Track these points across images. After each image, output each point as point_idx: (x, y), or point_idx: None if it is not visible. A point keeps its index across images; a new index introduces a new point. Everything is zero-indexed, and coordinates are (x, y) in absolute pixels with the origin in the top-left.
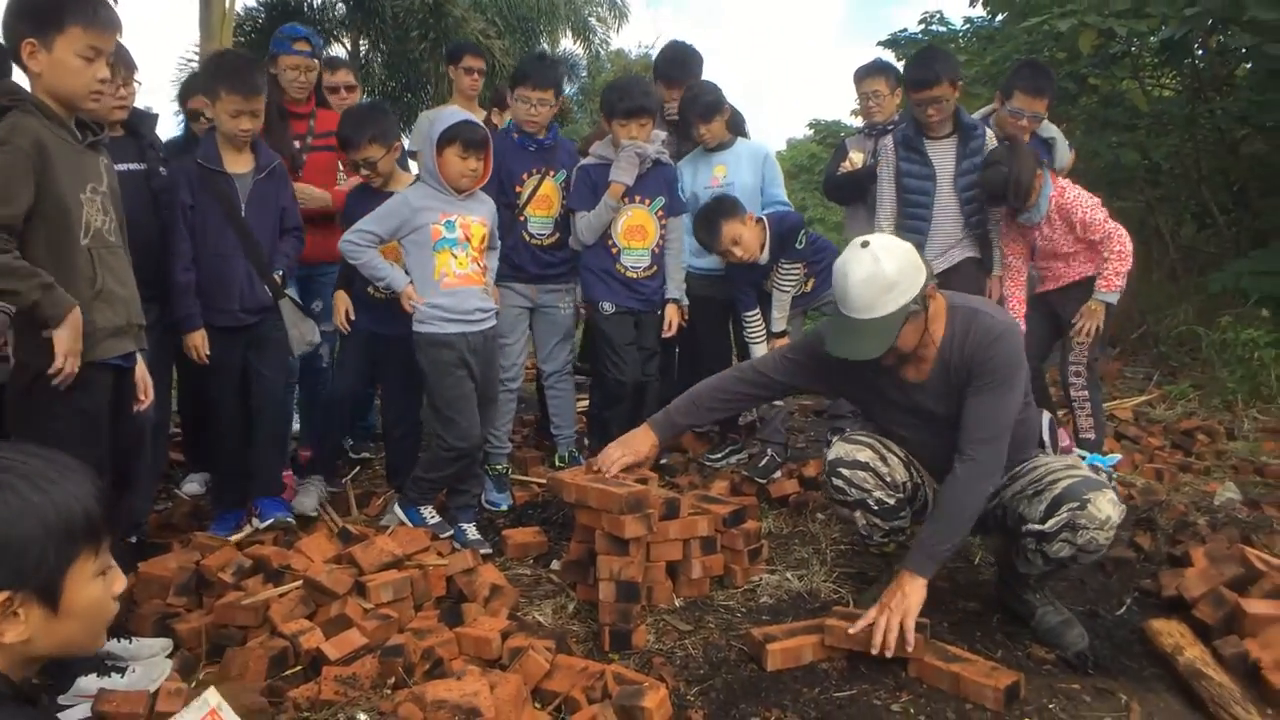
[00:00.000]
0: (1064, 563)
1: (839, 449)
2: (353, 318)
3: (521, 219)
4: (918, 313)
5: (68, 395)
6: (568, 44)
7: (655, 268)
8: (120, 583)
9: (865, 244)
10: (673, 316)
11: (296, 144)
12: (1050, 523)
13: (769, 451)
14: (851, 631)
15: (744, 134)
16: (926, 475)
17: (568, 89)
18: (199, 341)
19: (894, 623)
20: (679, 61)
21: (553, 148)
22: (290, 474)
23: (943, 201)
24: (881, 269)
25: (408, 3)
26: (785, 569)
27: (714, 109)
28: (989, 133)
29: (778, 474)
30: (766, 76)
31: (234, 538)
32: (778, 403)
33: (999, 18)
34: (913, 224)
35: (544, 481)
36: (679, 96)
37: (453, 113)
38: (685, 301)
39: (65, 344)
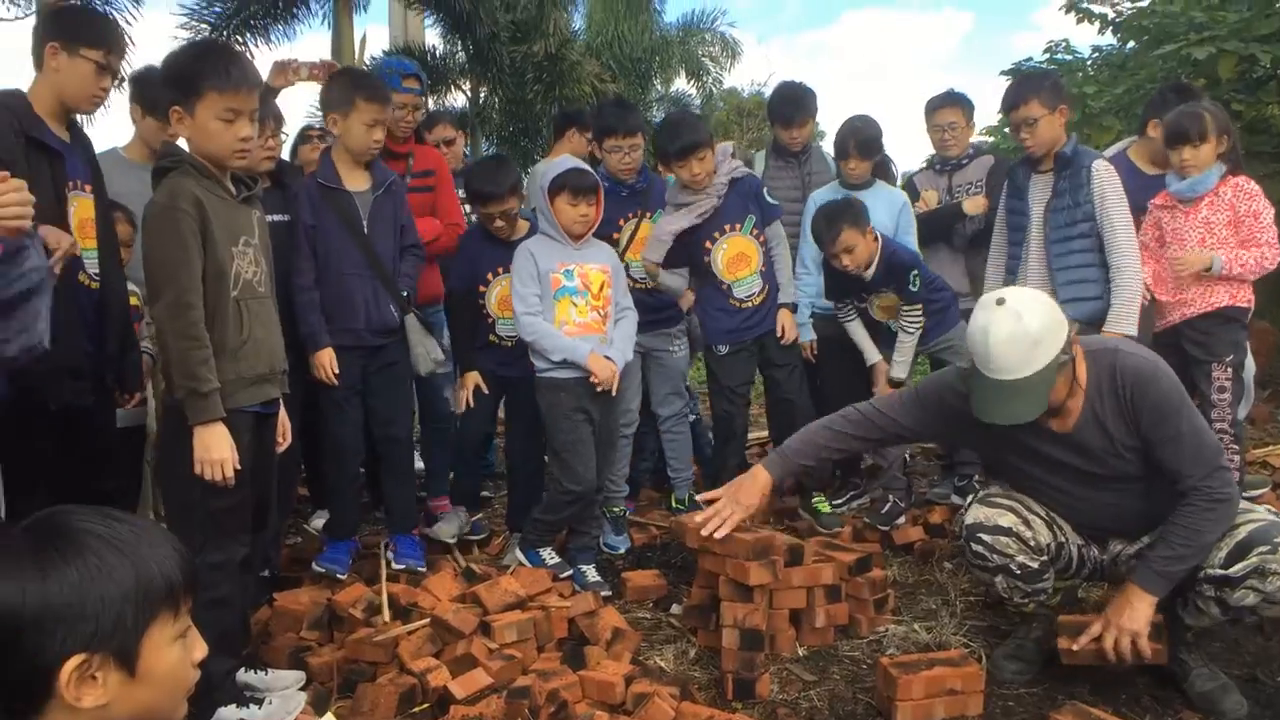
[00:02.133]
0: (1243, 613)
1: (977, 513)
2: (485, 390)
3: (624, 264)
4: (1066, 363)
5: None
6: (680, 84)
7: (767, 289)
8: (200, 649)
9: (1001, 301)
10: (785, 322)
11: None
12: (1236, 568)
13: (891, 497)
14: (1075, 648)
15: (890, 177)
16: (1070, 531)
17: None
18: (326, 360)
19: (1125, 641)
20: (793, 100)
21: (646, 190)
22: (419, 527)
23: (1034, 242)
24: (1024, 326)
25: (524, 50)
26: (912, 620)
27: (875, 147)
28: (1101, 170)
29: (901, 520)
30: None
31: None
32: (894, 450)
33: (1130, 45)
34: (1009, 264)
35: (663, 524)
36: (797, 135)
37: (562, 161)
38: (800, 319)
39: (198, 451)
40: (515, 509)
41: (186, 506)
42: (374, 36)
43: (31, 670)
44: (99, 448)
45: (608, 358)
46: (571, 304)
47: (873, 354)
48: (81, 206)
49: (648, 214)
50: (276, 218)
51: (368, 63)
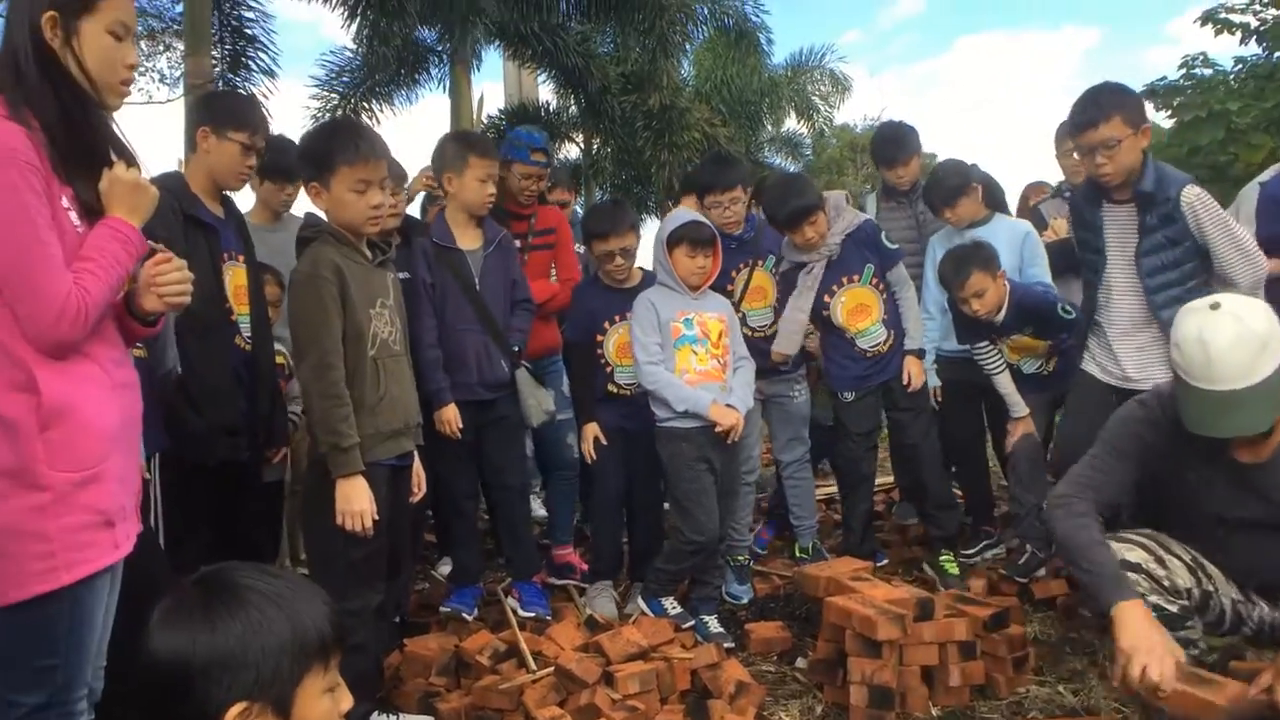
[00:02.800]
0: None
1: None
2: (604, 441)
3: (739, 314)
4: None
5: None
6: (791, 123)
7: (891, 335)
8: (347, 700)
9: (1215, 305)
10: (912, 369)
11: (518, 243)
12: None
13: (1029, 547)
14: (1252, 692)
15: (1003, 207)
16: (1223, 582)
17: (792, 166)
18: (451, 416)
19: None
20: (893, 140)
21: (754, 238)
22: (543, 574)
23: (1118, 284)
24: (1248, 327)
25: (635, 100)
26: (1057, 681)
27: (956, 193)
28: (1193, 201)
29: (1041, 572)
30: (999, 139)
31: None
32: (1033, 495)
33: (1278, 54)
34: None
35: (786, 574)
36: (903, 174)
37: (680, 213)
38: (926, 354)
39: (340, 503)
40: (636, 559)
41: (328, 556)
42: (490, 94)
43: (200, 715)
44: (250, 500)
45: (730, 406)
46: (692, 352)
47: (1020, 407)
48: (235, 275)
49: (759, 262)
50: (404, 274)
51: (484, 121)
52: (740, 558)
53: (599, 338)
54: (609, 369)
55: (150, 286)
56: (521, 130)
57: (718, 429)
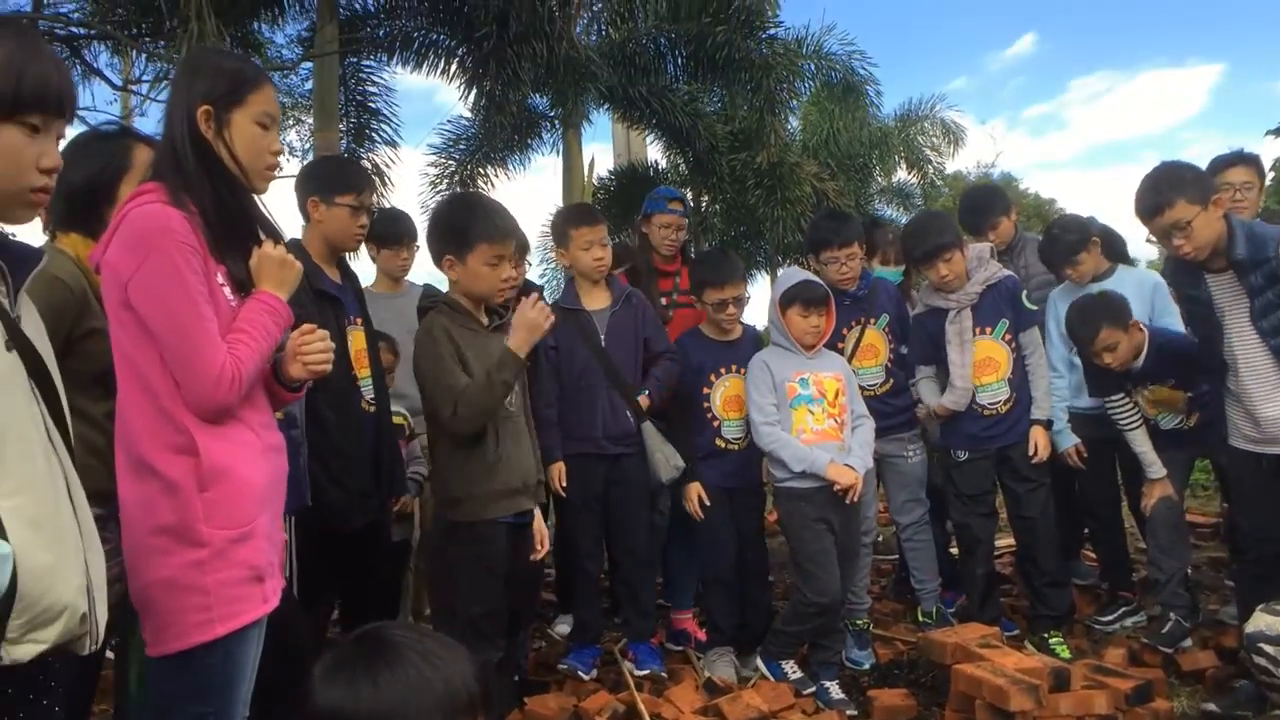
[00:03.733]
0: None
1: (1261, 620)
2: (707, 503)
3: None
4: None
5: (471, 550)
6: (902, 174)
7: (1014, 398)
8: None
9: None
10: (1038, 439)
11: (664, 300)
12: None
13: (1173, 615)
14: None
15: (1125, 258)
16: None
17: (903, 218)
18: (557, 473)
19: None
20: (974, 210)
21: (868, 295)
22: (659, 636)
23: (1243, 351)
24: None
25: (743, 158)
26: None
27: (1075, 249)
28: None
29: (1187, 642)
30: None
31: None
32: (1175, 560)
33: None
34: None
35: (909, 639)
36: (994, 238)
37: (794, 273)
38: (1057, 426)
39: (525, 320)
40: (749, 619)
41: (450, 611)
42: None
43: None
44: (378, 558)
45: (848, 465)
46: (808, 412)
47: (1156, 467)
48: (356, 339)
49: (872, 320)
50: None
51: (595, 182)
52: (860, 621)
53: (705, 390)
54: (716, 423)
55: (296, 356)
56: (661, 188)
57: (836, 488)
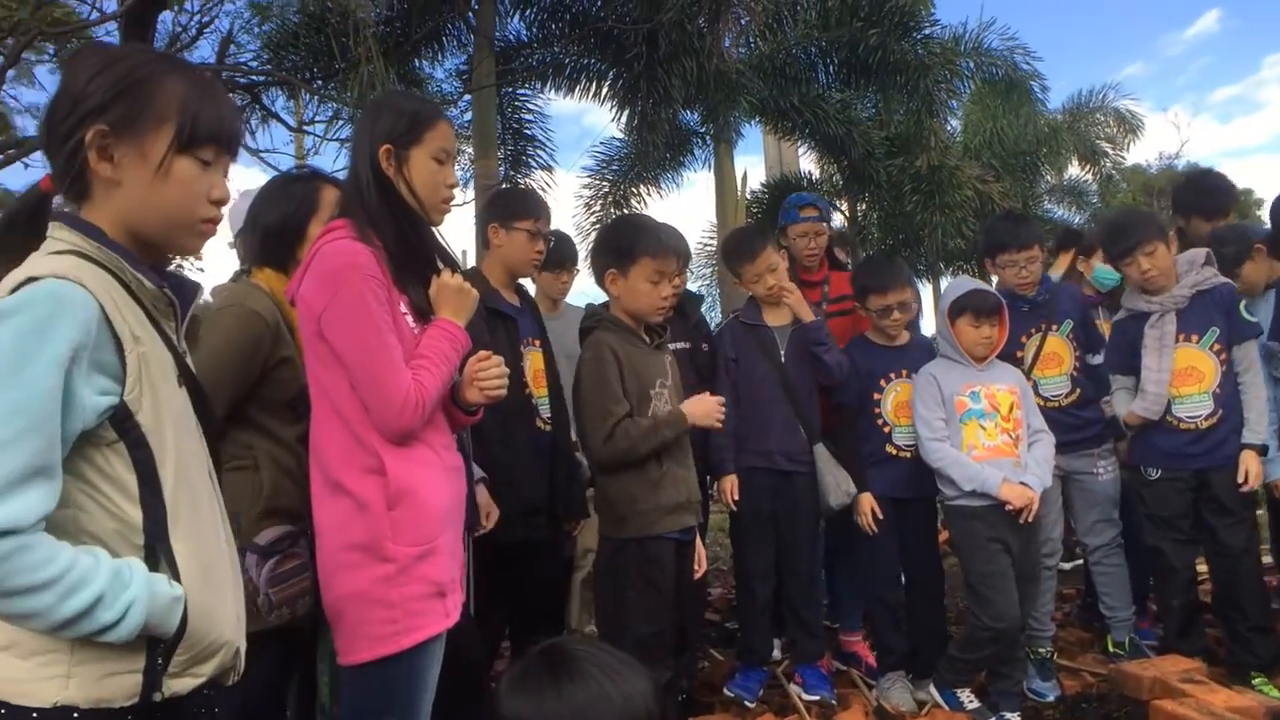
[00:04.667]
0: None
1: None
2: (880, 516)
3: (1030, 383)
4: None
5: (639, 567)
6: (1074, 170)
7: (1219, 414)
8: None
9: None
10: (1250, 466)
11: None
12: None
13: None
14: None
15: None
16: None
17: (1077, 218)
18: (729, 486)
19: None
20: (1205, 191)
21: (1048, 301)
22: (828, 660)
23: None
24: None
25: (900, 163)
26: None
27: (1234, 261)
28: None
29: None
30: None
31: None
32: None
33: None
34: None
35: (1099, 670)
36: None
37: (964, 282)
38: (1270, 452)
39: (698, 409)
40: (918, 642)
41: (618, 630)
42: (751, 169)
43: None
44: (545, 574)
45: (1023, 484)
46: (980, 427)
47: None
48: (534, 360)
49: (1054, 326)
50: (676, 345)
51: (749, 197)
52: (1043, 650)
53: (875, 395)
54: (887, 429)
55: (473, 381)
56: (791, 196)
57: (1008, 508)
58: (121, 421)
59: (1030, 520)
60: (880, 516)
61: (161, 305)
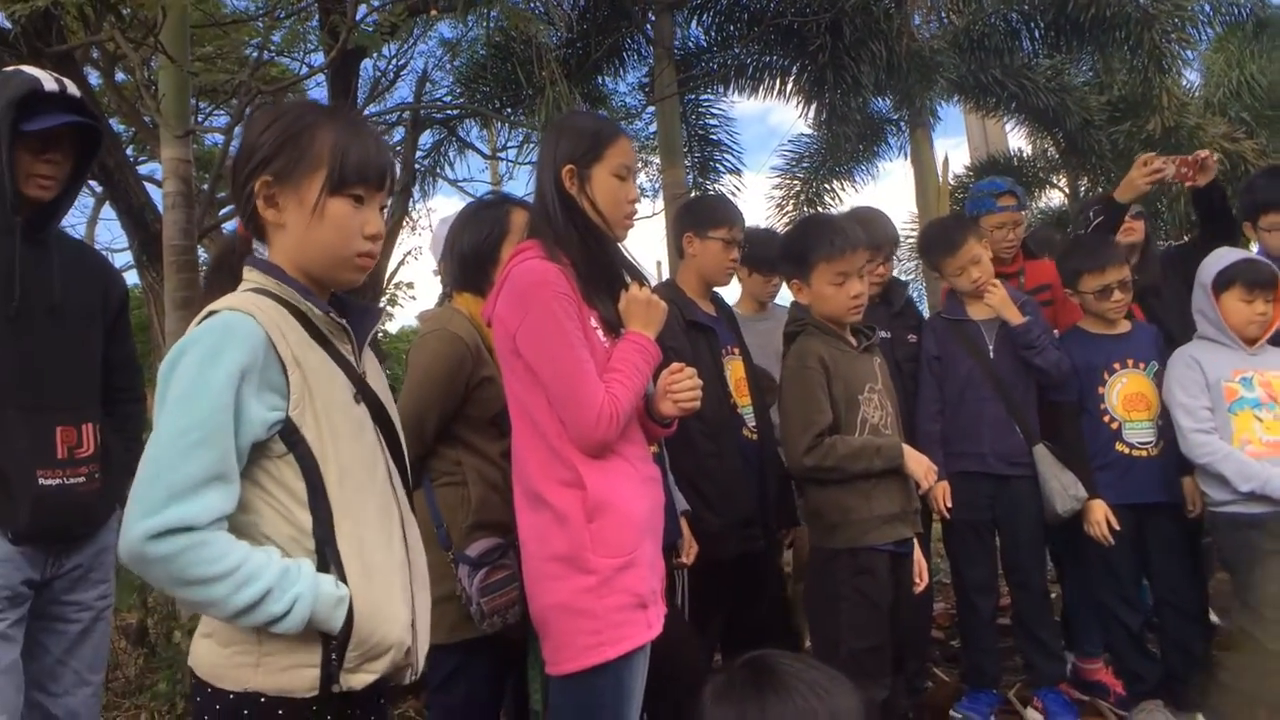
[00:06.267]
0: None
1: None
2: (1116, 526)
3: None
4: None
5: (851, 580)
6: None
7: None
8: None
9: None
10: None
11: None
12: None
13: None
14: None
15: None
16: None
17: None
18: (941, 493)
19: None
20: None
21: None
22: (1067, 686)
23: None
24: None
25: (1127, 129)
26: None
27: None
28: None
29: None
30: None
31: None
32: None
33: None
34: None
35: None
36: None
37: (1228, 252)
38: None
39: (916, 467)
40: (1169, 670)
41: (831, 644)
42: (954, 152)
43: None
44: (764, 586)
45: None
46: (1255, 418)
47: None
48: (735, 369)
49: None
50: (882, 334)
51: (952, 183)
52: None
53: (1099, 390)
54: (1115, 425)
55: (666, 394)
56: (981, 183)
57: None
58: (289, 435)
59: None
60: (1116, 526)
61: (335, 330)
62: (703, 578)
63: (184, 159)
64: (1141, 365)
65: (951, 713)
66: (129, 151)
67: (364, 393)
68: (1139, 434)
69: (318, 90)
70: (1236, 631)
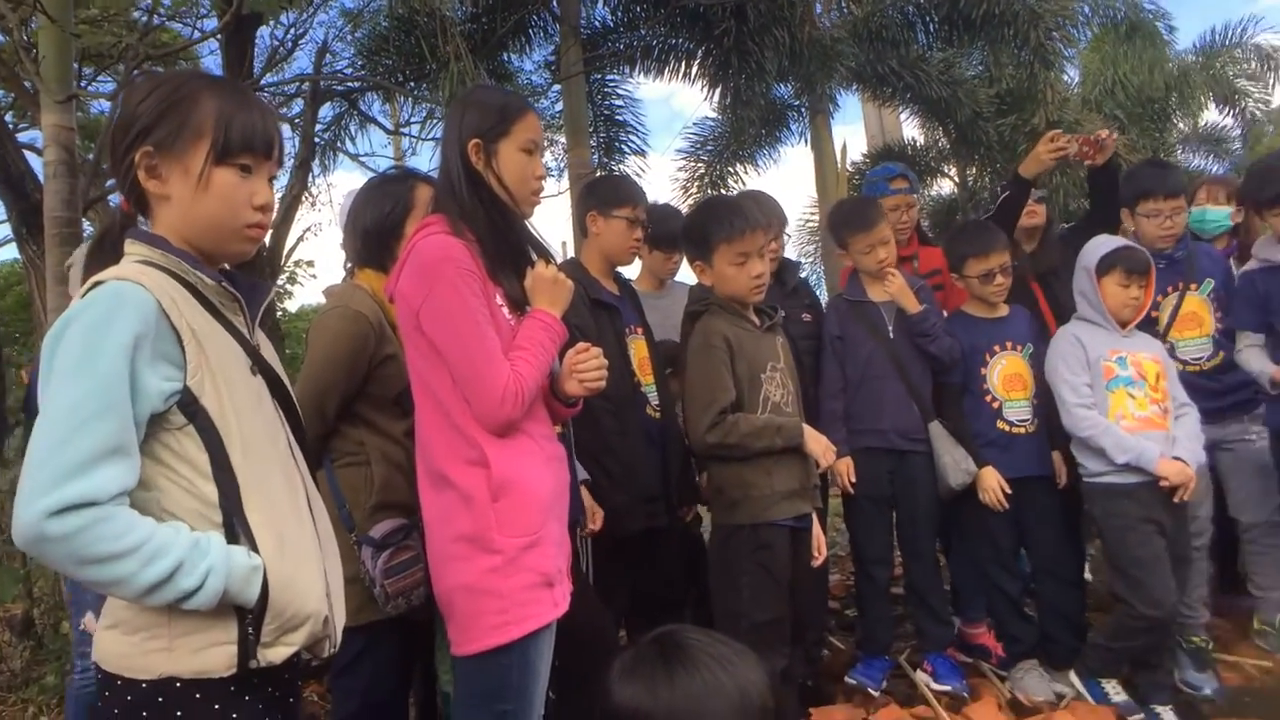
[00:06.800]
0: None
1: None
2: (1008, 490)
3: (1167, 345)
4: None
5: (752, 555)
6: (1210, 116)
7: None
8: None
9: None
10: None
11: None
12: None
13: None
14: None
15: None
16: None
17: (1216, 167)
18: (844, 469)
19: None
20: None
21: (1187, 258)
22: (954, 650)
23: None
24: None
25: (1013, 121)
26: None
27: None
28: None
29: None
30: None
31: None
32: None
33: None
34: None
35: (1263, 663)
36: None
37: (1108, 238)
38: None
39: (815, 445)
40: (1047, 633)
41: (733, 617)
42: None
43: None
44: (666, 562)
45: (1178, 459)
46: (1129, 395)
47: None
48: (638, 348)
49: (1193, 285)
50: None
51: (850, 169)
52: (1196, 639)
53: (981, 370)
54: (996, 404)
55: (572, 373)
56: (875, 169)
57: (1162, 484)
58: (188, 405)
59: (1186, 499)
60: (1009, 491)
61: (227, 301)
62: (607, 553)
63: (66, 126)
64: (1019, 347)
65: (846, 678)
66: (8, 118)
67: (260, 364)
68: (1017, 412)
69: (211, 59)
70: (1106, 593)
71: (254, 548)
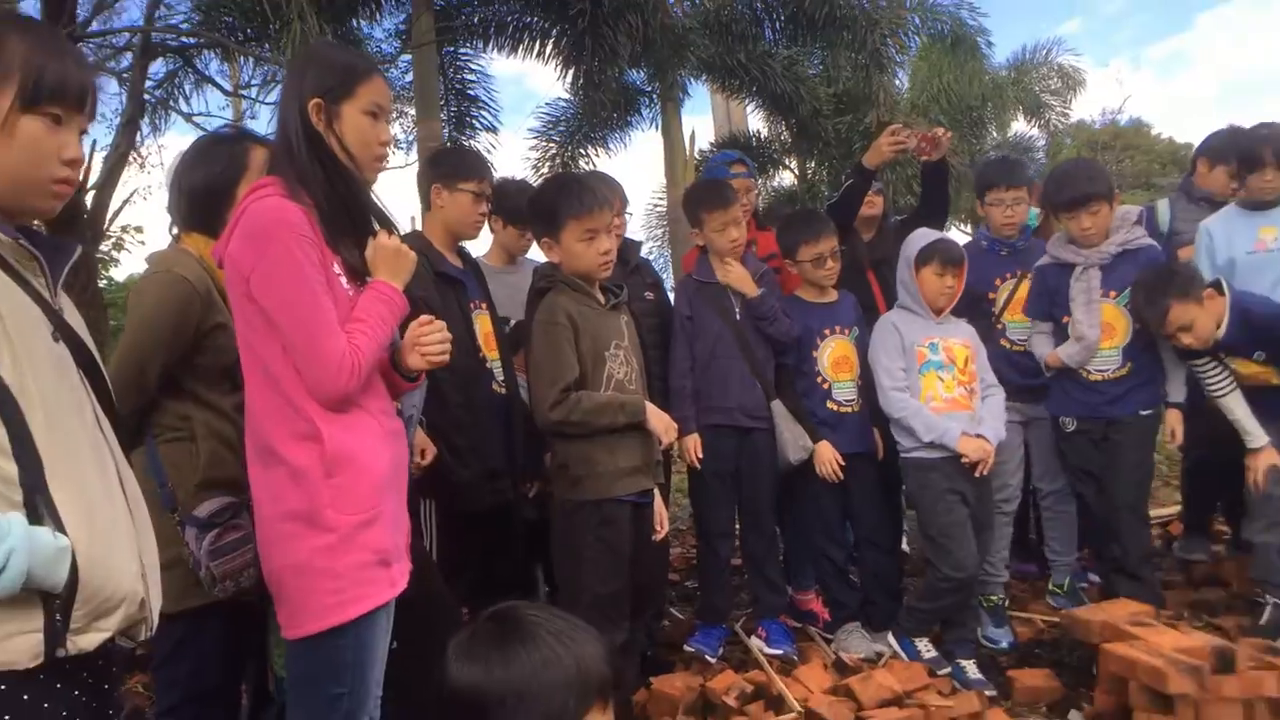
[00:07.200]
0: None
1: None
2: (842, 462)
3: (999, 326)
4: None
5: (595, 530)
6: (1019, 127)
7: (1129, 365)
8: None
9: None
10: (1174, 424)
11: None
12: None
13: (1271, 600)
14: None
15: None
16: None
17: None
18: (692, 445)
19: None
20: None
21: (1027, 248)
22: (785, 616)
23: None
24: None
25: (849, 120)
26: None
27: (1255, 160)
28: None
29: None
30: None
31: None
32: None
33: None
34: None
35: (1051, 617)
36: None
37: (928, 231)
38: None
39: (657, 423)
40: (868, 597)
41: (574, 591)
42: (700, 128)
43: None
44: (512, 538)
45: (979, 436)
46: (938, 378)
47: (1258, 436)
48: (483, 323)
49: (1028, 274)
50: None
51: (697, 157)
52: (995, 598)
53: (813, 353)
54: (826, 385)
55: (415, 346)
56: (715, 155)
57: (964, 460)
58: None
59: (985, 473)
60: (842, 462)
61: (25, 260)
62: (453, 530)
63: None
64: (846, 331)
65: (685, 646)
66: None
67: (63, 331)
68: (844, 393)
69: (30, 3)
70: (919, 559)
71: (60, 527)
